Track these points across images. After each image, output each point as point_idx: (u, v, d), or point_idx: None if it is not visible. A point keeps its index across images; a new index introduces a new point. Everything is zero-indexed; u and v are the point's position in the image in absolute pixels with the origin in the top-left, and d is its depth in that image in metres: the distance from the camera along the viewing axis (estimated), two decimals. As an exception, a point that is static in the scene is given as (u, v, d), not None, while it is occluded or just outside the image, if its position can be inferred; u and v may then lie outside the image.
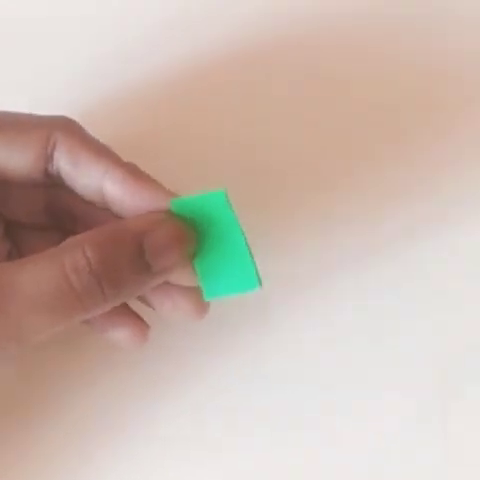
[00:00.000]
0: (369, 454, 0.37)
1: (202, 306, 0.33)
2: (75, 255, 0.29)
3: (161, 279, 0.31)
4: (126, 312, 0.34)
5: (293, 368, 0.38)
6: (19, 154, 0.31)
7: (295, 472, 0.37)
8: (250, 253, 0.32)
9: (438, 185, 0.41)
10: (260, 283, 0.32)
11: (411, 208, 0.40)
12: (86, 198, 0.32)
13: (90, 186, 0.32)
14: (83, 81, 0.42)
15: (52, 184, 0.33)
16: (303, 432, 0.37)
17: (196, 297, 0.33)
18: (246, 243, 0.31)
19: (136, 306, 0.35)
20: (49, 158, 0.32)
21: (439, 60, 0.43)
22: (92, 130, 0.33)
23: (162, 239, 0.30)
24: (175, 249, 0.31)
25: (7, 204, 0.34)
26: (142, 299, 0.34)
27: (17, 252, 0.34)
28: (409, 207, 0.40)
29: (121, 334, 0.34)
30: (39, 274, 0.29)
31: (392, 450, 0.37)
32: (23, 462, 0.36)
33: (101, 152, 0.32)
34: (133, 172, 0.32)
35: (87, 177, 0.31)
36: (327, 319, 0.39)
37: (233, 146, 0.41)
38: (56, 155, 0.32)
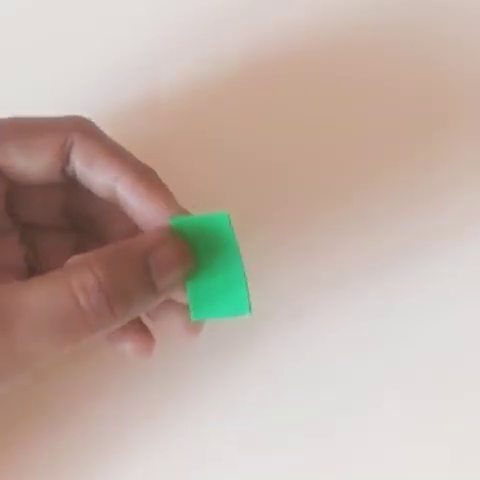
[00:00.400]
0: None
1: (194, 326, 0.33)
2: (83, 274, 0.28)
3: (165, 297, 0.30)
4: (134, 324, 0.33)
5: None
6: (36, 157, 0.31)
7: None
8: (245, 278, 0.31)
9: (439, 204, 0.41)
10: (250, 309, 0.31)
11: (412, 226, 0.40)
12: (101, 197, 0.32)
13: (104, 186, 0.31)
14: (100, 85, 0.41)
15: (69, 185, 0.32)
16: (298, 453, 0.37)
17: (188, 317, 0.32)
18: (243, 267, 0.31)
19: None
20: (66, 159, 0.31)
21: (440, 78, 0.43)
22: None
23: (167, 257, 0.30)
24: (179, 267, 0.30)
25: (25, 206, 0.33)
26: (153, 317, 0.33)
27: (33, 255, 0.33)
28: (410, 225, 0.40)
29: (127, 346, 0.33)
30: (45, 295, 0.27)
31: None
32: (30, 470, 0.36)
33: (116, 154, 0.31)
34: (145, 179, 0.31)
35: (101, 178, 0.31)
36: (329, 337, 0.38)
37: (239, 159, 0.40)
38: (72, 156, 0.31)
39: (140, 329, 0.33)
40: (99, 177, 0.31)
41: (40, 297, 0.27)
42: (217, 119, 0.41)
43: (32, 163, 0.31)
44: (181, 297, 0.32)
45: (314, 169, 0.41)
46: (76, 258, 0.29)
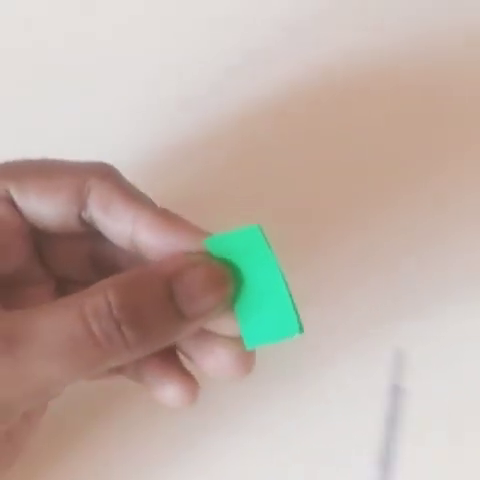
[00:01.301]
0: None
1: (246, 358, 0.31)
2: (96, 299, 0.27)
3: (196, 326, 0.29)
4: (175, 368, 0.32)
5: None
6: (52, 199, 0.30)
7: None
8: (290, 294, 0.29)
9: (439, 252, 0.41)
10: (302, 329, 0.29)
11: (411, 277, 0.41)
12: (120, 246, 0.31)
13: (121, 233, 0.30)
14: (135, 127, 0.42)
15: (93, 235, 0.31)
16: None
17: (238, 349, 0.30)
18: (285, 282, 0.29)
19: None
20: (83, 204, 0.30)
21: (440, 123, 0.44)
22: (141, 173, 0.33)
23: (195, 281, 0.28)
24: (212, 292, 0.28)
25: (54, 259, 0.33)
26: (184, 354, 0.32)
27: None
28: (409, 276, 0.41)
29: (168, 393, 0.31)
30: (57, 320, 0.27)
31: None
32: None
33: (132, 197, 0.30)
34: (163, 215, 0.30)
35: (118, 222, 0.30)
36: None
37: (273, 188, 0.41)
38: (89, 201, 0.30)
39: (182, 373, 0.32)
40: (115, 221, 0.30)
41: (52, 322, 0.27)
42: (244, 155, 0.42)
43: (48, 206, 0.30)
44: (224, 328, 0.30)
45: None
46: (96, 283, 0.28)
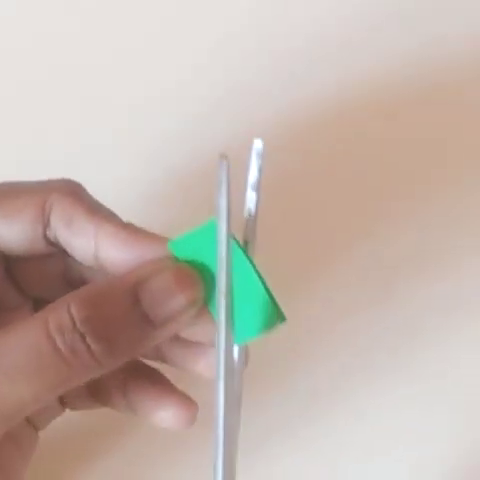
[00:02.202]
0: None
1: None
2: (59, 313, 0.26)
3: (168, 331, 0.28)
4: (167, 392, 0.31)
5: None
6: (14, 221, 0.30)
7: None
8: (264, 283, 0.28)
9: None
10: (283, 317, 0.28)
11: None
12: (86, 262, 0.30)
13: (85, 248, 0.29)
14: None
15: (61, 253, 0.31)
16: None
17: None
18: (257, 271, 0.28)
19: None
20: (46, 223, 0.30)
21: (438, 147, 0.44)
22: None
23: (161, 285, 0.27)
24: (178, 295, 0.28)
25: (26, 281, 0.32)
26: (174, 364, 0.32)
27: None
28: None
29: (165, 414, 0.31)
30: (23, 338, 0.27)
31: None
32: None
33: (94, 211, 0.30)
34: (126, 227, 0.29)
35: (80, 237, 0.29)
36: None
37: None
38: (52, 218, 0.30)
39: (176, 395, 0.31)
40: (78, 238, 0.29)
41: (17, 340, 0.26)
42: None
43: (10, 228, 0.30)
44: (200, 333, 0.29)
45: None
46: (60, 298, 0.27)
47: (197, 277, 0.28)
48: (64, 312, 0.26)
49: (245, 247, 0.29)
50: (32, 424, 0.32)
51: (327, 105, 0.44)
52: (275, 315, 0.28)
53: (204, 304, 0.29)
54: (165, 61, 0.47)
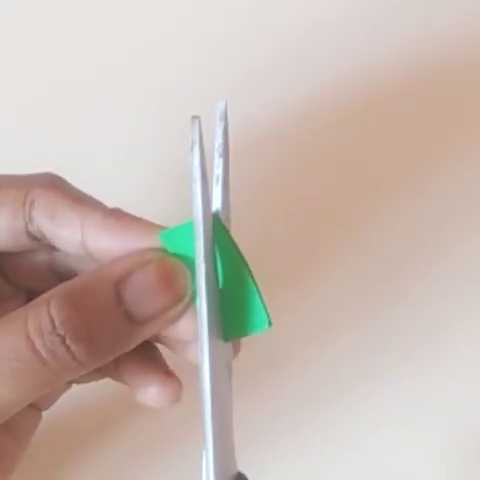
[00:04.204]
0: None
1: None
2: (38, 314, 0.26)
3: (151, 329, 0.27)
4: (155, 367, 0.31)
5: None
6: None
7: None
8: (256, 284, 0.27)
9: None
10: (270, 322, 0.27)
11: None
12: (72, 253, 0.29)
13: (72, 239, 0.29)
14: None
15: (46, 246, 0.30)
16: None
17: None
18: (250, 272, 0.27)
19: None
20: (28, 217, 0.29)
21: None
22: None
23: (144, 281, 0.27)
24: (163, 291, 0.27)
25: (15, 275, 0.32)
26: (166, 345, 0.31)
27: None
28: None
29: (150, 392, 0.30)
30: (2, 339, 0.26)
31: None
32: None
33: (78, 201, 0.29)
34: (112, 214, 0.28)
35: (66, 229, 0.29)
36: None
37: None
38: (34, 213, 0.29)
39: (162, 372, 0.30)
40: (63, 227, 0.29)
41: None
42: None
43: None
44: (184, 330, 0.28)
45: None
46: (42, 295, 0.27)
47: (184, 272, 0.27)
48: (44, 312, 0.26)
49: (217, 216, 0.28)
50: (35, 407, 0.32)
51: (326, 93, 0.44)
52: (263, 319, 0.27)
53: (191, 299, 0.28)
54: (163, 58, 0.46)
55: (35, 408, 0.32)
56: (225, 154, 0.28)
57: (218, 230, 0.27)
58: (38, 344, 0.26)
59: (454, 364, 0.41)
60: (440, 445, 0.39)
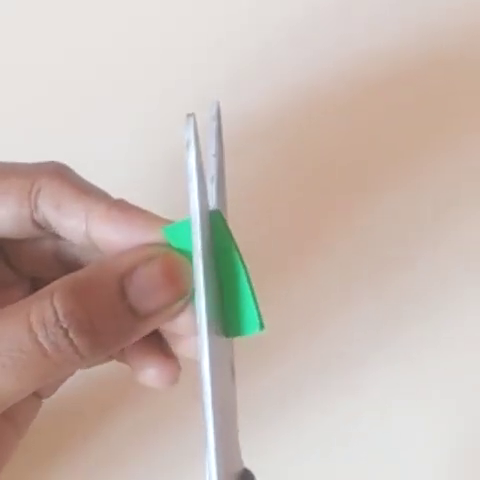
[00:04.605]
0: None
1: None
2: (42, 306, 0.26)
3: (153, 323, 0.27)
4: (156, 349, 0.31)
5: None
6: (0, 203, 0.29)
7: None
8: (252, 288, 0.27)
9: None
10: (263, 325, 0.27)
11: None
12: (76, 243, 0.29)
13: (76, 229, 0.29)
14: None
15: (52, 235, 0.30)
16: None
17: None
18: (248, 275, 0.27)
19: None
20: (34, 206, 0.29)
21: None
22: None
23: (149, 276, 0.27)
24: (167, 287, 0.27)
25: (20, 261, 0.32)
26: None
27: None
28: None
29: (149, 373, 0.30)
30: (4, 330, 0.26)
31: None
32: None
33: (84, 191, 0.29)
34: (117, 205, 0.28)
35: (71, 219, 0.29)
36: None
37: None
38: (40, 202, 0.29)
39: (162, 354, 0.30)
40: (68, 217, 0.29)
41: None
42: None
43: None
44: (181, 325, 0.28)
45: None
46: (46, 287, 0.27)
47: (188, 268, 0.27)
48: (47, 304, 0.26)
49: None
50: (36, 394, 0.32)
51: (323, 82, 0.44)
52: (255, 323, 0.27)
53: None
54: (163, 59, 0.46)
55: (36, 396, 0.32)
56: (219, 154, 0.28)
57: (219, 228, 0.27)
58: (41, 336, 0.26)
59: (444, 348, 0.41)
60: (431, 427, 0.40)
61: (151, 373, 0.30)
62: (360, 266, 0.42)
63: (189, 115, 0.26)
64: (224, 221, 0.27)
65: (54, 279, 0.30)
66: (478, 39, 0.46)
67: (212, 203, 0.28)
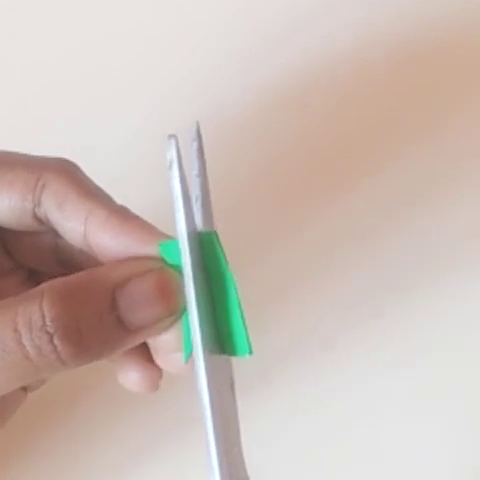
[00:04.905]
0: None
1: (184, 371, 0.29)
2: (30, 307, 0.25)
3: (140, 337, 0.27)
4: (139, 354, 0.30)
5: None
6: (3, 193, 0.29)
7: None
8: (242, 312, 0.27)
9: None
10: (251, 350, 0.27)
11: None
12: (74, 244, 0.29)
13: (75, 231, 0.28)
14: None
15: (52, 230, 0.30)
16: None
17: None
18: (239, 299, 0.27)
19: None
20: (37, 200, 0.29)
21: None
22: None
23: (141, 291, 0.26)
24: (158, 303, 0.26)
25: (18, 252, 0.31)
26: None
27: None
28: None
29: (131, 376, 0.30)
30: None
31: None
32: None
33: (88, 194, 0.28)
34: (119, 213, 0.28)
35: (71, 219, 0.28)
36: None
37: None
38: (43, 198, 0.28)
39: (145, 360, 0.30)
40: (69, 218, 0.28)
41: None
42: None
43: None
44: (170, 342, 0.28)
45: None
46: (36, 287, 0.26)
47: (180, 285, 0.27)
48: (36, 306, 0.25)
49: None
50: (21, 388, 0.31)
51: (323, 67, 0.44)
52: (244, 348, 0.27)
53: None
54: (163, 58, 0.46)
55: (21, 389, 0.32)
56: (202, 174, 0.28)
57: (213, 248, 0.27)
58: (25, 338, 0.25)
59: (447, 311, 0.41)
60: (431, 394, 0.39)
61: (133, 377, 0.30)
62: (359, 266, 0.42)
63: (170, 136, 0.25)
64: (218, 242, 0.27)
65: (51, 274, 0.30)
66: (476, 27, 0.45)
67: (198, 222, 0.28)
